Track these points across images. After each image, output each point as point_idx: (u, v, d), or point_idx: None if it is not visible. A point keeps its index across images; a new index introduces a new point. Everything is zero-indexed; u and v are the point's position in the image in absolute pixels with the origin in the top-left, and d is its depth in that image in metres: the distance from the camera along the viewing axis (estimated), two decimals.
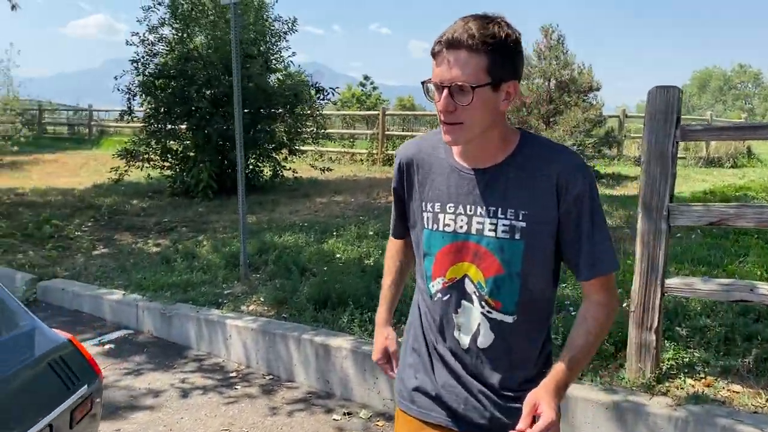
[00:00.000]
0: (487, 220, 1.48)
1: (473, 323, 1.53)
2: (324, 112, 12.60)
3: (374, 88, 27.56)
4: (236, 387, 4.15)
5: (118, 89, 10.00)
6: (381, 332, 1.78)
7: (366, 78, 28.10)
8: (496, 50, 1.37)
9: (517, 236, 1.46)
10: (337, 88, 12.05)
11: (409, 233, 1.67)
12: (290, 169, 11.13)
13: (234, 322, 4.59)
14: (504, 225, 1.47)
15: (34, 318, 1.93)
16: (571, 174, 1.45)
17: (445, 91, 1.38)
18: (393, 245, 1.82)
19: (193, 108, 9.90)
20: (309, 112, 11.17)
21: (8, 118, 18.05)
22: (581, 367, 1.52)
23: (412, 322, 1.69)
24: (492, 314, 1.52)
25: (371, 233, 6.82)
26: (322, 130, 11.95)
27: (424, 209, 1.57)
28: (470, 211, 1.50)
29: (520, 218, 1.46)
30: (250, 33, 10.24)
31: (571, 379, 1.46)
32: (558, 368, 1.45)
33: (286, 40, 11.07)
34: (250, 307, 4.94)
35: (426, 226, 1.56)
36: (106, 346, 4.84)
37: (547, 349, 1.62)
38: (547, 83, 10.91)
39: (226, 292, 5.33)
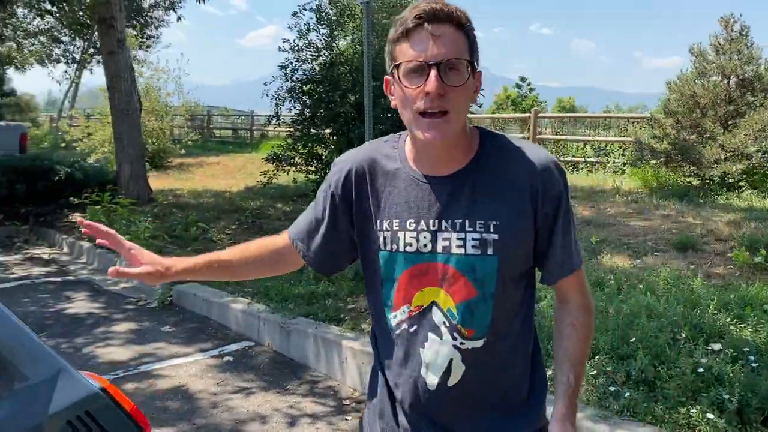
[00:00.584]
0: (454, 235, 1.32)
1: (443, 359, 1.35)
2: (472, 115, 12.07)
3: (531, 90, 26.57)
4: (347, 417, 3.78)
5: (267, 95, 10.17)
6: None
7: (522, 80, 27.20)
8: (471, 31, 1.28)
9: (490, 251, 1.31)
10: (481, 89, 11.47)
11: (310, 249, 1.49)
12: None
13: (350, 344, 4.24)
14: (473, 239, 1.31)
15: (59, 360, 1.65)
16: (546, 173, 1.32)
17: (434, 71, 1.23)
18: (271, 240, 1.57)
19: (337, 113, 9.82)
20: None
21: (178, 122, 19.45)
22: (582, 382, 1.42)
23: (374, 367, 1.51)
24: (464, 345, 1.34)
25: None
26: None
27: (379, 228, 1.39)
28: (434, 226, 1.34)
29: (492, 230, 1.31)
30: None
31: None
32: (567, 392, 1.35)
33: None
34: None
35: (383, 248, 1.38)
36: (225, 359, 4.70)
37: (538, 375, 1.45)
38: (726, 81, 9.54)
39: (349, 306, 5.02)
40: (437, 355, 1.35)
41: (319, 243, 1.49)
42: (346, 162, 1.45)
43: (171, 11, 21.96)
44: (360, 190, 1.42)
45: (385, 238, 1.38)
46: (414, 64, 1.24)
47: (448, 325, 1.34)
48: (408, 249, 1.35)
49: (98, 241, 1.53)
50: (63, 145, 17.70)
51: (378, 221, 1.39)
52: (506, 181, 1.33)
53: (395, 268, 1.37)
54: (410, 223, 1.35)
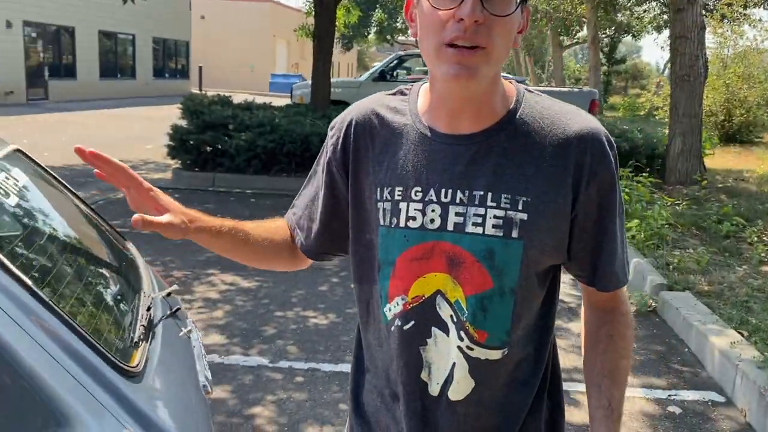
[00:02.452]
0: (471, 210, 1.07)
1: (446, 363, 1.11)
2: None
3: None
4: None
5: None
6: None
7: None
8: None
9: (514, 233, 1.06)
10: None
11: (311, 234, 1.24)
12: None
13: None
14: (495, 217, 1.06)
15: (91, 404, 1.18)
16: (596, 146, 1.07)
17: None
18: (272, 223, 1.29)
19: None
20: None
21: None
22: (623, 405, 1.16)
23: (357, 371, 1.26)
24: (473, 351, 1.10)
25: None
26: None
27: (379, 197, 1.12)
28: (446, 197, 1.07)
29: (520, 207, 1.06)
30: None
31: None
32: (610, 417, 1.11)
33: None
34: None
35: (382, 222, 1.11)
36: (669, 409, 3.49)
37: (555, 401, 1.21)
38: None
39: None
40: (441, 357, 1.11)
41: (318, 227, 1.24)
42: (344, 120, 1.19)
43: None
44: (358, 152, 1.15)
45: (384, 210, 1.11)
46: None
47: (455, 319, 1.09)
48: (410, 224, 1.09)
49: (96, 172, 1.10)
50: (642, 113, 17.31)
51: (378, 189, 1.12)
52: (544, 150, 1.07)
53: (393, 248, 1.10)
54: (416, 191, 1.09)
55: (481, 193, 1.06)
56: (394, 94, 1.20)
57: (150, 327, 1.67)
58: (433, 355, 1.12)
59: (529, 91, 1.14)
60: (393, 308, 1.13)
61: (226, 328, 4.34)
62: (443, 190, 1.08)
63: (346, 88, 12.93)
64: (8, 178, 1.74)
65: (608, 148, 1.08)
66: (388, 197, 1.11)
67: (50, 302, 1.30)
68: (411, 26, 1.10)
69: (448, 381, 1.12)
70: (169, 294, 2.00)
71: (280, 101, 13.20)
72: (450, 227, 1.08)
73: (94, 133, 14.94)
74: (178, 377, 1.65)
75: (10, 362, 1.16)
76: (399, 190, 1.11)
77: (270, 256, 1.28)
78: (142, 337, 1.58)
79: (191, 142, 9.37)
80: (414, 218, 1.09)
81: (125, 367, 1.38)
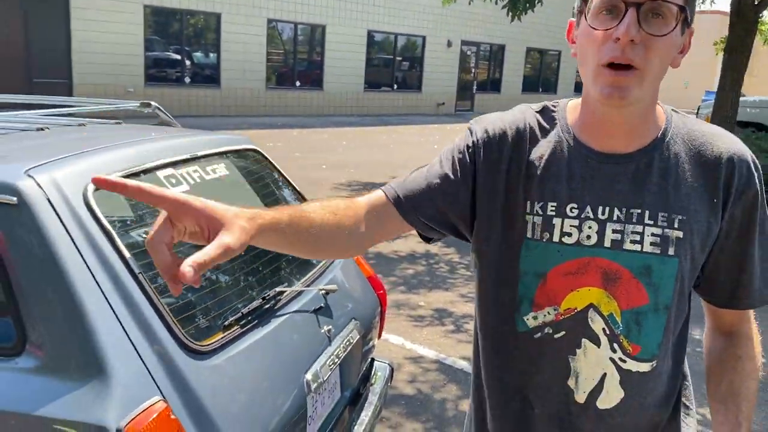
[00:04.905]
0: (629, 228, 1.10)
1: (596, 372, 1.15)
2: None
3: None
4: None
5: None
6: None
7: None
8: None
9: (671, 251, 1.10)
10: None
11: (412, 215, 1.18)
12: None
13: None
14: (653, 235, 1.10)
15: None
16: (743, 166, 1.12)
17: (632, 12, 1.01)
18: (353, 204, 1.16)
19: None
20: None
21: None
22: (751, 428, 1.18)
23: (478, 385, 1.27)
24: (625, 363, 1.14)
25: None
26: None
27: (528, 211, 1.13)
28: (603, 214, 1.11)
29: (676, 225, 1.10)
30: None
31: None
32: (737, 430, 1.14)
33: None
34: None
35: (530, 236, 1.13)
36: None
37: (678, 408, 1.24)
38: None
39: None
40: (590, 367, 1.15)
41: (433, 211, 1.19)
42: (492, 123, 1.20)
43: None
44: (503, 157, 1.16)
45: (534, 223, 1.14)
46: (610, 2, 1.03)
47: (608, 332, 1.13)
48: (565, 240, 1.13)
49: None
50: None
51: (528, 203, 1.15)
52: (695, 171, 1.12)
53: (544, 261, 1.14)
54: (572, 208, 1.12)
55: (639, 211, 1.11)
56: (540, 110, 1.22)
57: (261, 315, 1.83)
58: (582, 365, 1.16)
59: (675, 111, 1.18)
60: (541, 317, 1.17)
61: None
62: (600, 208, 1.12)
63: (765, 108, 11.14)
64: (214, 171, 2.10)
65: (754, 170, 1.13)
66: (539, 212, 1.14)
67: (139, 276, 1.56)
68: (572, 47, 1.14)
69: (596, 390, 1.17)
70: (327, 293, 2.13)
71: None
72: (607, 244, 1.11)
73: None
74: (266, 368, 1.77)
75: (68, 288, 1.45)
76: (552, 206, 1.13)
77: (332, 241, 1.13)
78: (241, 323, 1.75)
79: None
80: (569, 234, 1.13)
81: (189, 342, 1.57)
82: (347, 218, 1.12)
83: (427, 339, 4.37)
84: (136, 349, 1.48)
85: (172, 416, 1.44)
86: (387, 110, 22.03)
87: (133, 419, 1.38)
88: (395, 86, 22.42)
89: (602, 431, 1.18)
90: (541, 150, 1.16)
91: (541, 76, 29.21)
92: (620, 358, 1.15)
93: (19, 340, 1.47)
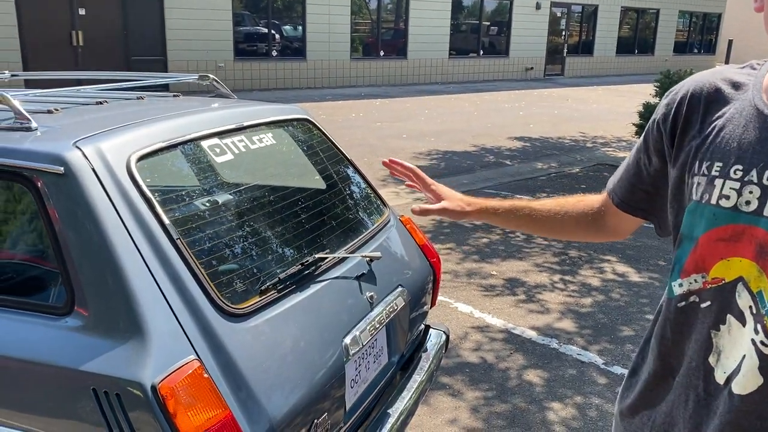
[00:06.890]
0: None
1: (737, 352, 1.05)
2: None
3: None
4: None
5: None
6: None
7: None
8: None
9: None
10: None
11: (632, 203, 1.29)
12: None
13: None
14: None
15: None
16: None
17: None
18: (591, 197, 1.43)
19: None
20: None
21: None
22: None
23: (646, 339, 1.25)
24: (767, 348, 1.01)
25: None
26: None
27: (696, 171, 1.10)
28: None
29: None
30: None
31: None
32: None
33: None
34: None
35: (693, 197, 1.09)
36: None
37: None
38: None
39: None
40: (733, 346, 1.06)
41: (640, 194, 1.28)
42: (680, 89, 1.19)
43: None
44: (688, 123, 1.15)
45: (698, 184, 1.09)
46: None
47: (754, 311, 1.04)
48: (722, 203, 1.06)
49: (407, 183, 1.57)
50: None
51: (697, 163, 1.11)
52: None
53: (699, 224, 1.09)
54: (736, 170, 1.05)
55: None
56: (743, 67, 1.16)
57: (300, 280, 1.87)
58: (725, 343, 1.08)
59: None
60: (687, 284, 1.12)
61: (585, 318, 4.20)
62: (767, 173, 1.02)
63: None
64: (261, 140, 2.15)
65: None
66: (705, 172, 1.09)
67: (178, 242, 1.63)
68: (755, 1, 1.09)
69: (735, 372, 1.07)
70: (371, 260, 2.15)
71: None
72: (767, 213, 1.02)
73: (584, 107, 15.46)
74: (303, 332, 1.81)
75: (111, 253, 1.53)
76: (717, 166, 1.08)
77: (575, 230, 1.46)
78: (279, 287, 1.79)
79: None
80: (727, 197, 1.05)
81: (225, 305, 1.62)
82: (571, 206, 1.43)
83: (497, 308, 4.33)
84: (173, 310, 1.55)
85: (205, 375, 1.51)
86: (473, 77, 21.63)
87: (167, 377, 1.46)
88: (481, 52, 21.95)
89: (737, 419, 1.08)
90: (721, 109, 1.12)
91: (638, 37, 27.71)
92: (762, 342, 1.04)
93: (69, 302, 1.58)
